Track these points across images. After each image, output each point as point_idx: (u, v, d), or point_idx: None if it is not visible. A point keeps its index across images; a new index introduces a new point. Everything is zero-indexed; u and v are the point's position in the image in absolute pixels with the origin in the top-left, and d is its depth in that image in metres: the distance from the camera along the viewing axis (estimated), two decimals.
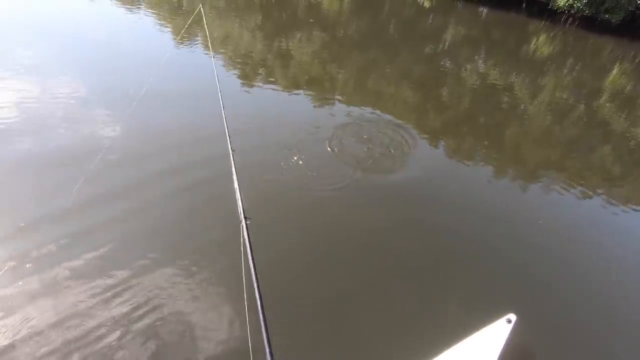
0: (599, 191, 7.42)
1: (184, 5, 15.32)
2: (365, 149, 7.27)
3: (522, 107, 10.89)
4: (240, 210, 2.41)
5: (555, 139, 9.45)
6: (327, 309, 4.26)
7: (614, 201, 7.15)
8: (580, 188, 7.38)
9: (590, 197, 7.20)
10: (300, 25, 15.21)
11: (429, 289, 4.68)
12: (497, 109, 10.58)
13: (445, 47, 15.76)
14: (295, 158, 6.59)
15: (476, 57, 15.13)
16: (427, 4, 22.24)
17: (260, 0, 17.59)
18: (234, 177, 2.81)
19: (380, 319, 4.25)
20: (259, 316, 1.74)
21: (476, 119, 9.82)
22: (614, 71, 15.70)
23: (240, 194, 2.58)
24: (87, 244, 4.43)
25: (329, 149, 7.07)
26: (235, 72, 9.98)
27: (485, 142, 8.65)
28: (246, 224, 2.27)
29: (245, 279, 2.11)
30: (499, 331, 3.60)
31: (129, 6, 13.80)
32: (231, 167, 2.95)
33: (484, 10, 22.65)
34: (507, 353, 3.47)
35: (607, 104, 12.11)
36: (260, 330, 1.70)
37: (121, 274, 4.17)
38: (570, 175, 7.90)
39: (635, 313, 4.88)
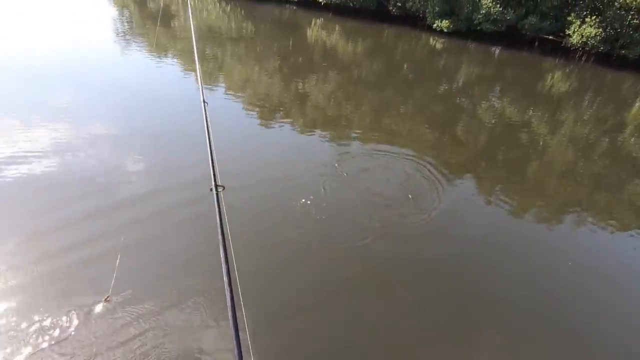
0: (631, 228, 6.99)
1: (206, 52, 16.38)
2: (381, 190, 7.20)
3: (542, 143, 10.69)
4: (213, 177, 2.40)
5: (579, 175, 9.13)
6: None
7: None
8: (610, 226, 6.99)
9: (621, 234, 6.78)
10: (315, 69, 15.88)
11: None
12: (517, 145, 10.42)
13: (460, 85, 15.99)
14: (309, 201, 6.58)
15: (491, 95, 15.23)
16: (438, 46, 22.94)
17: (277, 48, 18.61)
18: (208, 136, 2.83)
19: None
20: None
21: (494, 155, 9.68)
22: (636, 105, 15.40)
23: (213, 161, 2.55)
24: None
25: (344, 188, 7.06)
26: (254, 112, 10.35)
27: (505, 179, 8.44)
28: (216, 192, 2.29)
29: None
30: None
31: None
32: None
33: (496, 50, 23.12)
34: None
35: (632, 138, 11.76)
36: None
37: None
38: (599, 212, 7.53)
39: None
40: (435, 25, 24.84)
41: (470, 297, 5.06)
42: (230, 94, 11.55)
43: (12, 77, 10.72)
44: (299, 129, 9.62)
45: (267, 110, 10.58)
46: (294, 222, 5.98)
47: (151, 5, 27.14)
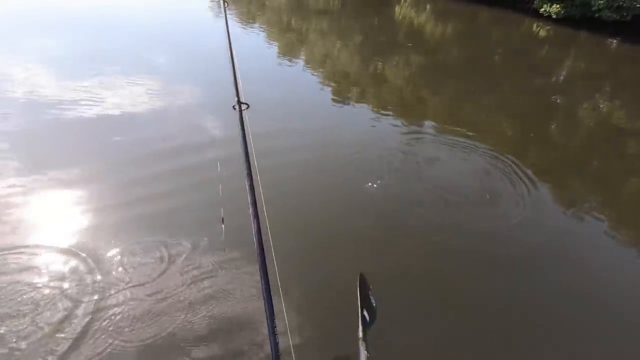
0: None
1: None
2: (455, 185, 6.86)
3: None
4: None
5: None
6: None
7: None
8: None
9: None
10: (397, 49, 15.22)
11: None
12: (619, 155, 9.02)
13: (560, 80, 14.15)
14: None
15: (597, 94, 13.24)
16: (542, 33, 20.34)
17: (361, 24, 18.16)
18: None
19: None
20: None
21: (587, 165, 8.52)
22: None
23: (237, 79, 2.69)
24: None
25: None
26: (329, 89, 10.40)
27: (600, 192, 7.42)
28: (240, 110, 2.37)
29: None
30: None
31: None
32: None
33: (613, 42, 19.80)
34: None
35: None
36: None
37: None
38: None
39: None
40: (542, 9, 21.95)
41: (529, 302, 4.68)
42: (309, 68, 11.70)
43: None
44: (372, 109, 9.45)
45: (343, 87, 10.55)
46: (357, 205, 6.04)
47: None
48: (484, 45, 17.60)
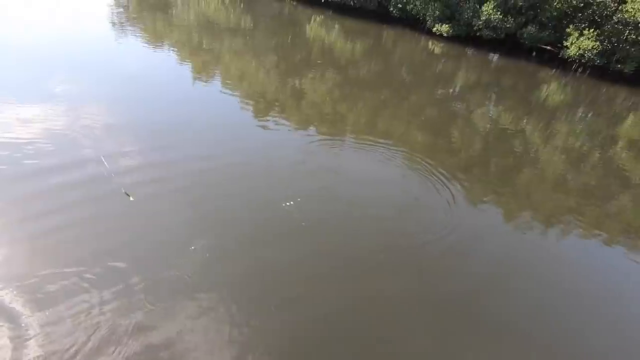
0: (617, 240, 7.03)
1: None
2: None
3: (535, 152, 10.72)
4: None
5: (570, 186, 9.17)
6: None
7: (631, 251, 6.73)
8: (598, 237, 7.02)
9: (609, 246, 6.81)
10: (312, 66, 15.73)
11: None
12: (509, 152, 10.43)
13: (456, 91, 16.00)
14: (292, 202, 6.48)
15: (487, 102, 15.25)
16: (437, 50, 22.94)
17: (276, 43, 18.42)
18: None
19: None
20: None
21: (487, 162, 9.67)
22: (629, 120, 15.56)
23: None
24: None
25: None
26: (249, 107, 10.19)
27: (497, 185, 8.42)
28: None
29: None
30: None
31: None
32: None
33: (494, 57, 23.21)
34: None
35: (624, 153, 11.87)
36: None
37: None
38: (587, 223, 7.56)
39: None
40: (435, 29, 24.82)
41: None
42: (227, 88, 11.37)
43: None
44: (292, 125, 9.49)
45: (263, 105, 10.44)
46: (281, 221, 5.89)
47: None
48: (390, 61, 19.16)
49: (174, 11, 21.52)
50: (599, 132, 13.58)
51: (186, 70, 12.36)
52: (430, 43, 23.98)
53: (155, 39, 15.46)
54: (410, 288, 5.14)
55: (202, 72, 12.42)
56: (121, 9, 20.67)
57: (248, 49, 16.39)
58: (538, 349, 4.57)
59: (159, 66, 12.28)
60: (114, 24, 16.63)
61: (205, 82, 11.59)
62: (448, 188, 7.66)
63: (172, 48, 14.39)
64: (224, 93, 10.94)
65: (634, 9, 19.53)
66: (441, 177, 8.00)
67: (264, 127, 9.18)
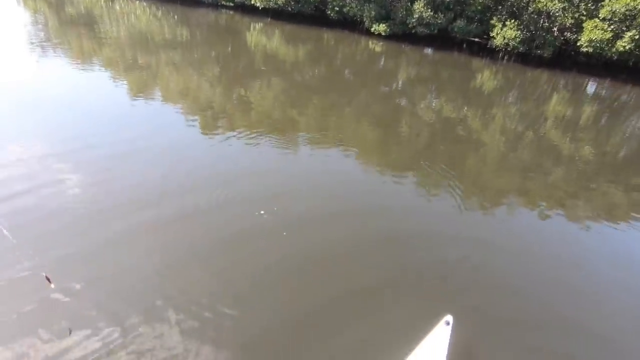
0: (556, 207, 7.63)
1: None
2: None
3: (477, 136, 11.39)
4: None
5: (511, 164, 9.83)
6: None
7: (569, 215, 7.35)
8: (538, 208, 7.58)
9: (550, 214, 7.38)
10: (256, 74, 15.52)
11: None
12: (455, 140, 10.97)
13: (399, 86, 16.60)
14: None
15: (429, 94, 15.99)
16: (377, 49, 23.71)
17: (215, 53, 17.94)
18: None
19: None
20: None
21: (435, 150, 10.09)
22: (553, 99, 17.12)
23: None
24: None
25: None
26: (195, 123, 9.75)
27: (445, 170, 8.80)
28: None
29: None
30: (441, 334, 3.90)
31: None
32: None
33: (429, 51, 24.47)
34: (451, 350, 3.77)
35: (552, 130, 13.00)
36: None
37: None
38: (531, 196, 8.13)
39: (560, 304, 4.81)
40: (373, 29, 25.69)
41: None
42: (169, 105, 10.81)
43: None
44: (244, 135, 9.23)
45: (209, 118, 10.05)
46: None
47: (70, 9, 24.84)
48: (333, 63, 19.46)
49: (100, 27, 20.18)
50: (529, 112, 14.76)
51: (122, 89, 11.58)
52: (370, 42, 24.74)
53: (83, 58, 14.36)
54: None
55: (139, 90, 11.71)
56: (39, 26, 19.00)
57: (187, 61, 15.78)
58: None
59: (90, 88, 11.38)
60: (32, 44, 15.20)
61: (145, 100, 10.92)
62: (403, 178, 7.88)
63: (103, 67, 13.43)
64: (166, 110, 10.39)
65: (543, 0, 21.60)
66: (394, 169, 8.22)
67: (212, 141, 8.83)
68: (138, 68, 13.82)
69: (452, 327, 3.93)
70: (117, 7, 27.51)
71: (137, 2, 30.25)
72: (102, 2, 29.22)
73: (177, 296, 4.38)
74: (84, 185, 6.33)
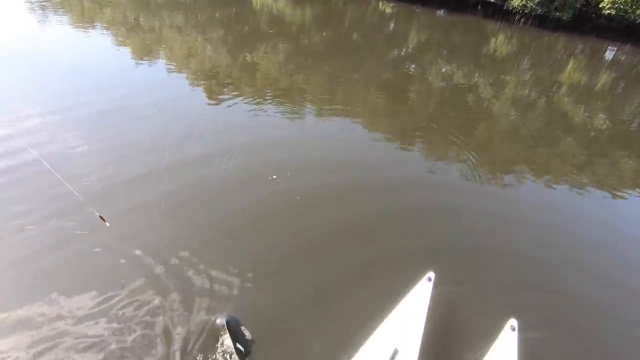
0: (564, 179, 7.62)
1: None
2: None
3: (487, 105, 11.15)
4: None
5: (522, 133, 9.69)
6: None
7: (574, 186, 7.35)
8: (546, 178, 7.57)
9: (557, 184, 7.38)
10: (264, 37, 15.07)
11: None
12: (465, 108, 10.77)
13: (410, 50, 16.06)
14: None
15: (440, 59, 15.48)
16: (388, 10, 22.70)
17: (220, 16, 17.35)
18: None
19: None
20: None
21: (445, 118, 9.95)
22: (569, 66, 16.48)
23: None
24: None
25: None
26: (199, 89, 9.65)
27: (455, 140, 8.73)
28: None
29: None
30: (423, 291, 4.09)
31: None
32: None
33: (441, 13, 23.36)
34: (433, 306, 3.96)
35: (566, 98, 12.64)
36: None
37: None
38: (539, 166, 8.10)
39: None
40: None
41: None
42: (173, 69, 10.66)
43: None
44: (250, 101, 9.15)
45: (214, 84, 9.92)
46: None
47: None
48: (342, 26, 18.75)
49: None
50: (543, 79, 14.30)
51: (125, 53, 11.39)
52: (380, 4, 23.63)
53: (85, 20, 14.02)
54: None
55: (143, 53, 11.50)
56: None
57: (191, 24, 15.34)
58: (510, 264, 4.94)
59: (93, 52, 11.21)
60: (31, 3, 14.82)
61: (149, 64, 10.76)
62: (412, 144, 7.87)
63: (105, 30, 13.14)
64: (171, 74, 10.25)
65: None
66: (403, 136, 8.17)
67: (217, 107, 8.78)
68: (141, 30, 13.50)
69: (434, 283, 4.19)
70: None
71: None
72: None
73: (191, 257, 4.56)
74: (89, 144, 6.42)
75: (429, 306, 3.91)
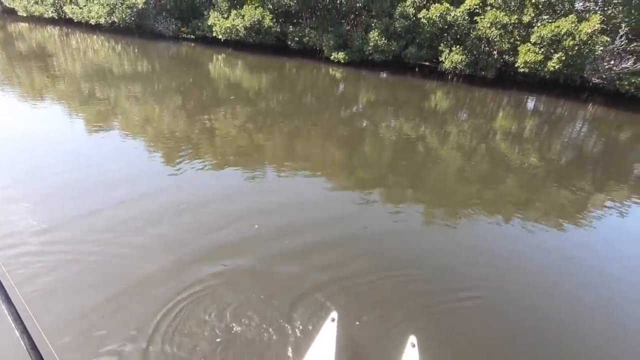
0: (513, 215, 8.27)
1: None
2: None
3: (436, 153, 12.15)
4: None
5: (468, 176, 10.55)
6: None
7: (523, 221, 7.99)
8: (496, 215, 8.18)
9: (508, 221, 7.98)
10: (223, 102, 15.70)
11: None
12: (415, 157, 11.63)
13: (361, 109, 17.40)
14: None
15: (388, 115, 16.88)
16: (338, 75, 24.81)
17: (178, 84, 17.99)
18: None
19: None
20: None
21: (398, 168, 10.64)
22: (499, 115, 18.64)
23: None
24: None
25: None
26: (158, 154, 9.66)
27: (409, 187, 9.29)
28: None
29: None
30: (328, 331, 4.14)
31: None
32: None
33: (384, 75, 25.95)
34: (339, 345, 4.02)
35: (502, 143, 14.12)
36: None
37: None
38: (487, 205, 8.75)
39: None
40: (332, 57, 26.92)
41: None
42: (129, 137, 10.65)
43: None
44: (209, 165, 9.26)
45: (172, 150, 10.00)
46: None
47: (20, 44, 24.04)
48: (297, 89, 20.08)
49: (54, 62, 19.65)
50: (480, 127, 15.96)
51: (79, 123, 11.29)
52: (330, 69, 25.84)
53: (34, 93, 13.88)
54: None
55: (98, 123, 11.46)
56: None
57: (149, 93, 15.69)
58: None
59: (42, 123, 11.01)
60: None
61: (103, 134, 10.70)
62: (369, 194, 8.24)
63: (57, 102, 13.05)
64: (126, 143, 10.22)
65: (483, 27, 23.85)
66: (362, 189, 8.57)
67: (174, 170, 8.78)
68: (96, 101, 13.55)
69: (337, 324, 4.27)
70: (73, 42, 26.96)
71: (95, 36, 29.83)
72: (56, 37, 28.51)
73: None
74: (37, 214, 6.07)
75: (336, 345, 4.00)
